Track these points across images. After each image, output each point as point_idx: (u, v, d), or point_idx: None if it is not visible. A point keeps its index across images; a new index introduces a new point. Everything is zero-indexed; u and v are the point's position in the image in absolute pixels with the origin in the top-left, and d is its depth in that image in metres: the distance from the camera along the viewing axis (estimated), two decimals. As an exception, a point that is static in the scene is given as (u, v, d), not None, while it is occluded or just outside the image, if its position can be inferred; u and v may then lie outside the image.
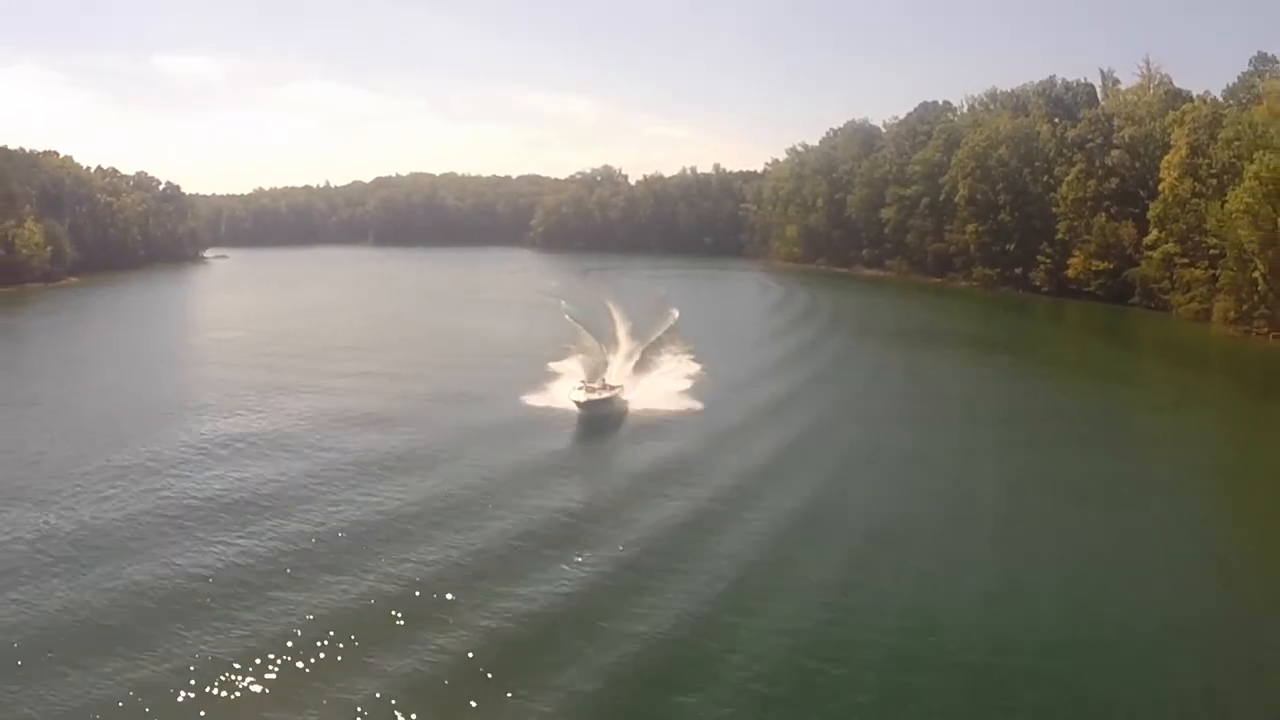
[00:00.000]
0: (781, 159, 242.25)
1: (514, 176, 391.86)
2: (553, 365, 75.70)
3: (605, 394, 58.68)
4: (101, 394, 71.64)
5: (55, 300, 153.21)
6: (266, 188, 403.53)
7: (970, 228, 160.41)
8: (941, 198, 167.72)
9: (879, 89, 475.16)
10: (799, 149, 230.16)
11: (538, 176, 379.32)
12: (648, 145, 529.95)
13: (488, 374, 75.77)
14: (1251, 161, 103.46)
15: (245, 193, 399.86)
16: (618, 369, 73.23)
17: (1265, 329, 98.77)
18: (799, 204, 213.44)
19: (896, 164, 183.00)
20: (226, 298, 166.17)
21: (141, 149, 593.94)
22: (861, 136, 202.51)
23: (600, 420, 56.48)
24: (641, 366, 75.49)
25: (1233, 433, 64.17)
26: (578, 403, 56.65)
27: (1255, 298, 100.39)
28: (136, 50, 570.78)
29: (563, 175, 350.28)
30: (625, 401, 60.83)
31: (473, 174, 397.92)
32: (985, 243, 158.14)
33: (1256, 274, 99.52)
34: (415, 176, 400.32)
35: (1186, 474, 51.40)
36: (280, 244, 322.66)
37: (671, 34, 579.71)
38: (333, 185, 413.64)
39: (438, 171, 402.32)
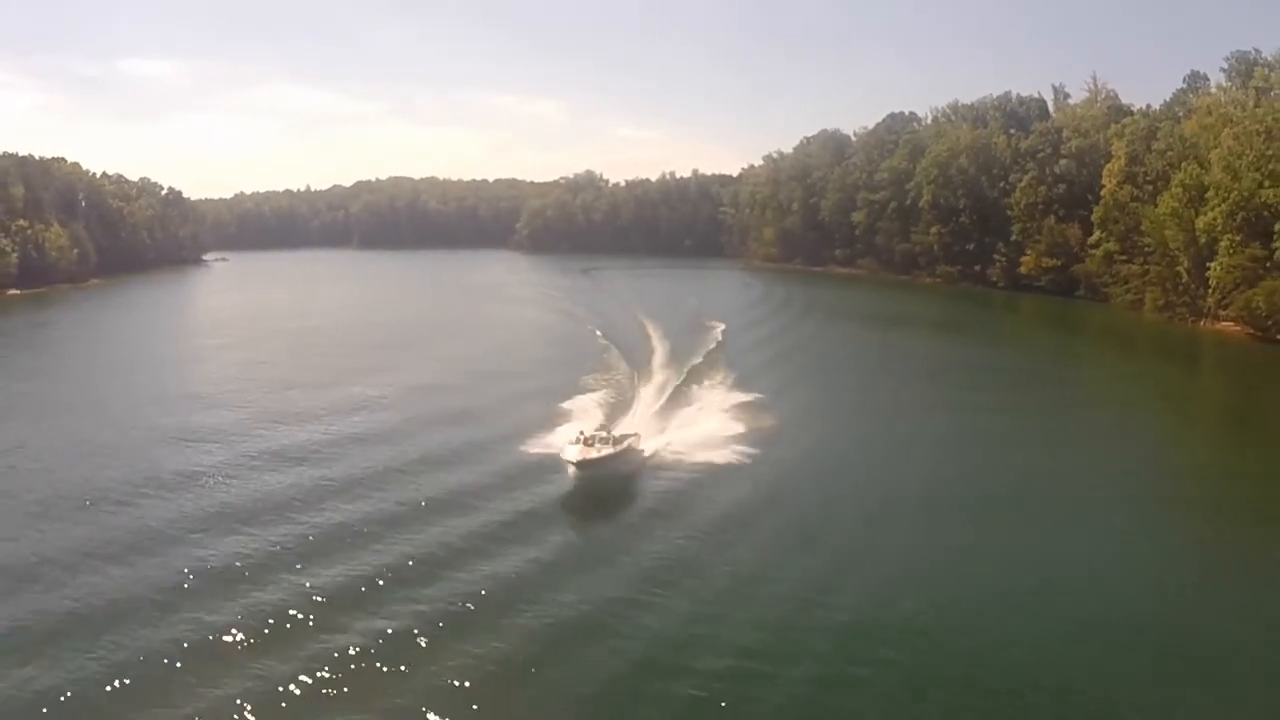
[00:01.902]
0: (755, 164, 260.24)
1: (490, 180, 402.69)
2: (576, 394, 68.32)
3: (608, 450, 47.04)
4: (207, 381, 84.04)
5: (91, 299, 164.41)
6: (247, 191, 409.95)
7: (934, 229, 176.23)
8: (908, 202, 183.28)
9: (844, 93, 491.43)
10: (774, 156, 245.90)
11: (516, 180, 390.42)
12: (616, 147, 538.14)
13: (500, 409, 65.93)
14: (1179, 170, 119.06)
15: (222, 196, 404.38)
16: (645, 405, 63.68)
17: (1186, 315, 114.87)
18: (775, 207, 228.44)
19: (866, 171, 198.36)
20: (258, 296, 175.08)
21: (106, 152, 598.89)
22: (834, 145, 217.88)
23: (602, 482, 46.34)
24: (677, 399, 65.84)
25: (1156, 393, 79.59)
26: (572, 462, 46.06)
27: (1179, 289, 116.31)
28: (101, 53, 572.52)
29: (530, 178, 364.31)
30: (641, 453, 50.42)
31: (441, 177, 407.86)
32: (947, 243, 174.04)
33: (1180, 269, 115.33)
34: (396, 180, 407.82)
35: (1119, 420, 66.33)
36: (264, 247, 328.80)
37: (639, 37, 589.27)
38: (313, 189, 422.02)
39: (404, 174, 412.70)
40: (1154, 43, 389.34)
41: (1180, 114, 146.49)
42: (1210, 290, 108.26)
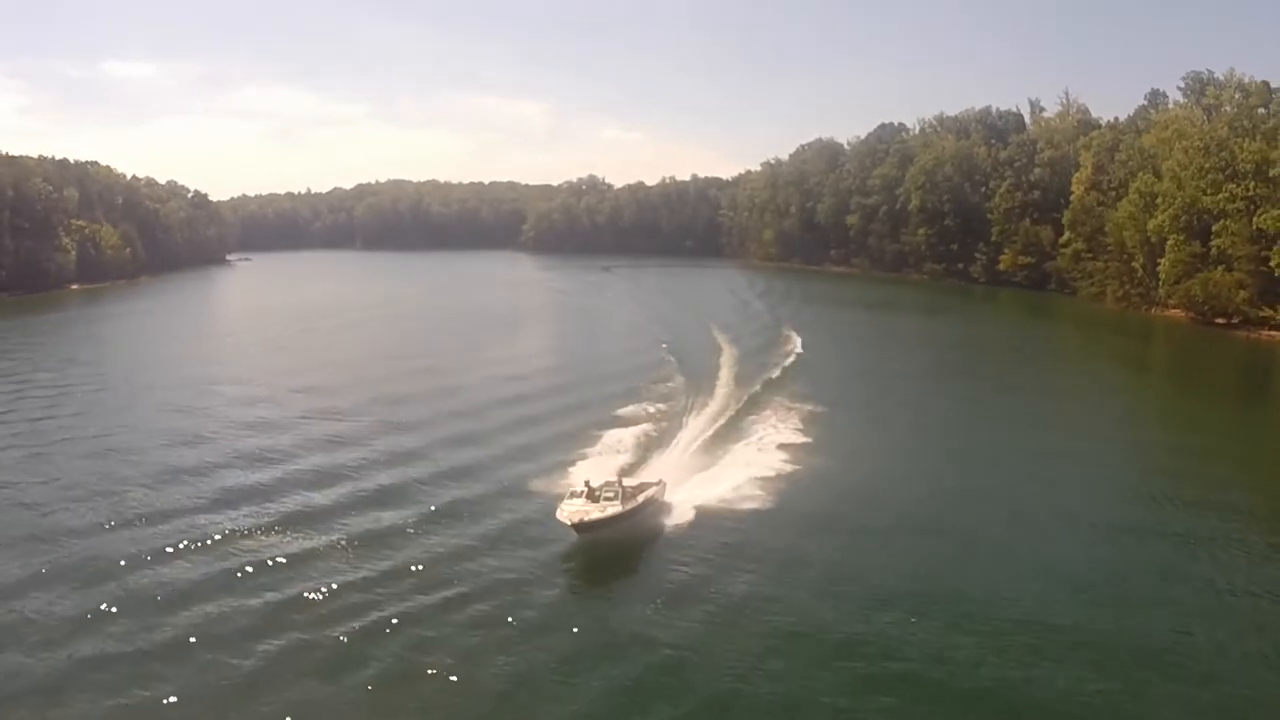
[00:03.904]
0: (744, 167, 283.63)
1: (487, 182, 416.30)
2: (618, 409, 62.89)
3: (614, 507, 38.54)
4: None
5: (153, 292, 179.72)
6: (236, 194, 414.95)
7: (921, 231, 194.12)
8: (897, 206, 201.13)
9: (830, 98, 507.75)
10: (772, 162, 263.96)
11: (515, 183, 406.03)
12: (601, 149, 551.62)
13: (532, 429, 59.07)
14: (1136, 179, 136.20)
15: (220, 199, 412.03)
16: (691, 433, 56.17)
17: (1140, 304, 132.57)
18: (774, 210, 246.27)
19: (859, 177, 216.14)
20: (312, 289, 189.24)
21: (93, 155, 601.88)
22: (828, 153, 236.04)
23: (608, 545, 38.14)
24: (731, 427, 57.68)
25: (1109, 359, 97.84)
26: (567, 524, 37.85)
27: (1134, 282, 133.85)
28: (85, 56, 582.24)
29: (515, 179, 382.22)
30: (664, 505, 42.20)
31: (441, 180, 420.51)
32: (934, 243, 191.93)
33: (1136, 264, 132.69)
34: (397, 184, 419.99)
35: (1080, 383, 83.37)
36: (267, 248, 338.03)
37: (623, 39, 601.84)
38: (313, 191, 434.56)
39: (389, 177, 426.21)
40: (1122, 61, 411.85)
41: (1141, 127, 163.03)
42: (1160, 283, 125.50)
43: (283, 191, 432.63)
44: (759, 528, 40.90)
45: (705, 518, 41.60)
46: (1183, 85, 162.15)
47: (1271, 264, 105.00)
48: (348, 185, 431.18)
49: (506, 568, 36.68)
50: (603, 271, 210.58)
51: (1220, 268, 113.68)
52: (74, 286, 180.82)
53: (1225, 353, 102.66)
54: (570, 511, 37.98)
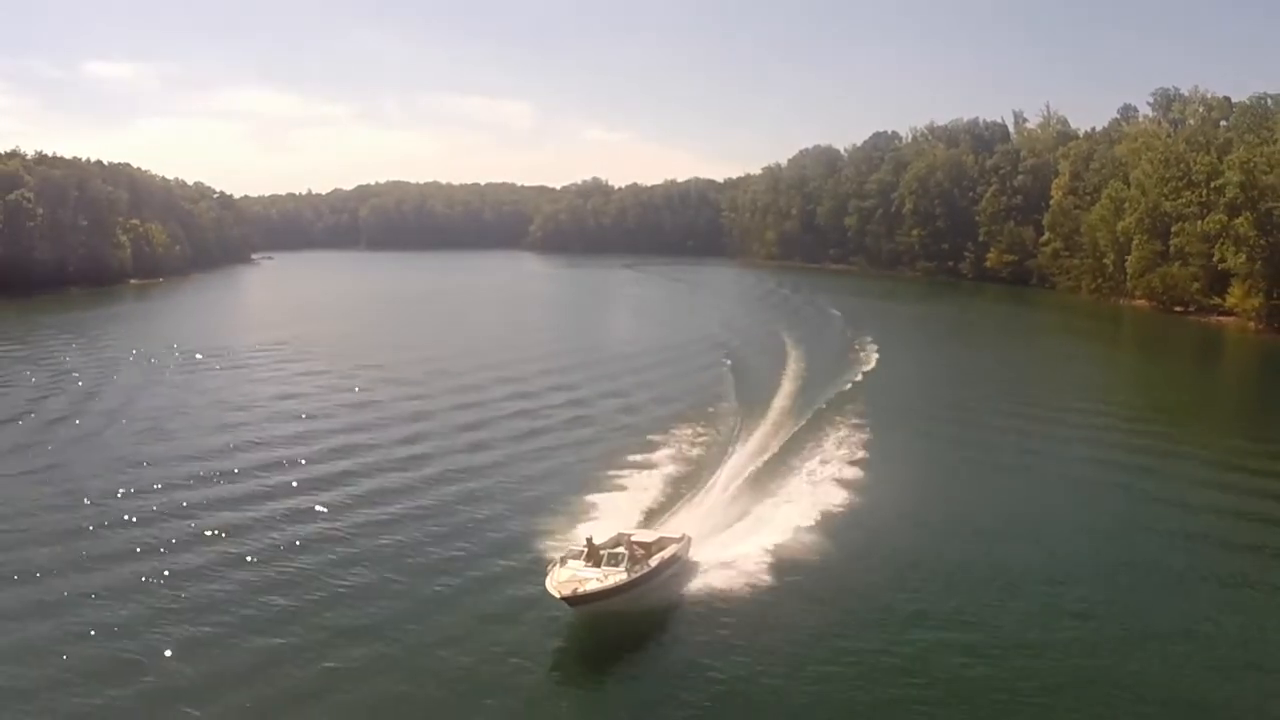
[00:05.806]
0: (745, 170, 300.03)
1: (483, 183, 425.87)
2: (654, 432, 55.98)
3: (618, 575, 30.97)
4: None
5: (211, 285, 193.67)
6: (246, 195, 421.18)
7: (914, 232, 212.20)
8: (892, 209, 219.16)
9: (816, 101, 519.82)
10: (773, 167, 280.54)
11: (513, 185, 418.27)
12: (589, 149, 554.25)
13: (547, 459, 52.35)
14: (1108, 186, 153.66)
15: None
16: (727, 475, 46.81)
17: (1110, 295, 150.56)
18: (776, 212, 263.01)
19: (856, 182, 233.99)
20: (356, 282, 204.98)
21: (73, 155, 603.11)
22: (826, 159, 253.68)
23: (609, 618, 30.92)
24: (784, 457, 50.08)
25: (1088, 343, 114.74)
26: (558, 597, 30.06)
27: (1106, 276, 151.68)
28: (65, 55, 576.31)
29: (504, 180, 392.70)
30: (689, 564, 34.94)
31: (426, 180, 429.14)
32: (926, 243, 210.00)
33: (1107, 261, 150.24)
34: (398, 185, 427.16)
35: (1059, 361, 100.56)
36: (272, 248, 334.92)
37: (610, 39, 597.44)
38: (314, 192, 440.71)
39: (376, 179, 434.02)
40: (1099, 76, 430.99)
41: (1114, 138, 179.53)
42: (1128, 277, 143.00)
43: (273, 193, 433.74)
44: (807, 573, 35.01)
45: (741, 574, 34.32)
46: (1151, 100, 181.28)
47: (1215, 259, 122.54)
48: (338, 186, 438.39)
49: (473, 655, 29.16)
50: (625, 269, 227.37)
51: (1178, 263, 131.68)
52: (132, 281, 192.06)
53: (1181, 334, 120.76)
54: (561, 581, 30.49)
